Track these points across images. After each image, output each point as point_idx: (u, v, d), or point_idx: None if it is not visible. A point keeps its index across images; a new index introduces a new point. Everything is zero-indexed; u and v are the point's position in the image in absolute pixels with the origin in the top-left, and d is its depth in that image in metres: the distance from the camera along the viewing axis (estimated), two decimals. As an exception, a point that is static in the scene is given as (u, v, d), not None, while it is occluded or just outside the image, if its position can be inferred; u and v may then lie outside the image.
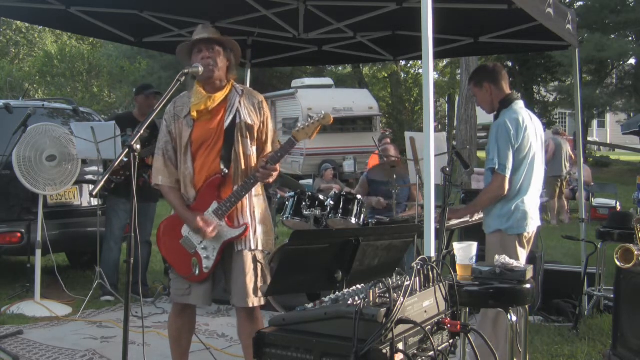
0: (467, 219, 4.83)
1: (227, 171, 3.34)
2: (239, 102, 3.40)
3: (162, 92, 3.11)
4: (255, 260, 3.39)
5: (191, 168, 3.38)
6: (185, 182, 3.40)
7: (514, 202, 3.81)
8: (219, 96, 3.36)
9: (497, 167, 3.75)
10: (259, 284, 3.39)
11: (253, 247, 3.38)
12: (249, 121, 3.39)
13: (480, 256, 3.11)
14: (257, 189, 3.47)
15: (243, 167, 3.37)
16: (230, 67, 3.42)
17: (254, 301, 3.36)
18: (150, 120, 2.87)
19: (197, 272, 3.37)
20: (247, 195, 3.37)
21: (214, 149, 3.36)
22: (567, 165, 12.01)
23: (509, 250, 3.74)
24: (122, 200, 6.01)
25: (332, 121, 3.19)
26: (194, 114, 3.35)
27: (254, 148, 3.44)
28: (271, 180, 3.37)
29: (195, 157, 3.38)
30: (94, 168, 6.45)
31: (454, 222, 4.72)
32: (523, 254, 3.85)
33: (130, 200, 2.60)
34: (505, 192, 3.77)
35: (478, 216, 4.52)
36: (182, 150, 3.39)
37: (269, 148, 3.50)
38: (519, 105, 3.93)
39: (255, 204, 3.45)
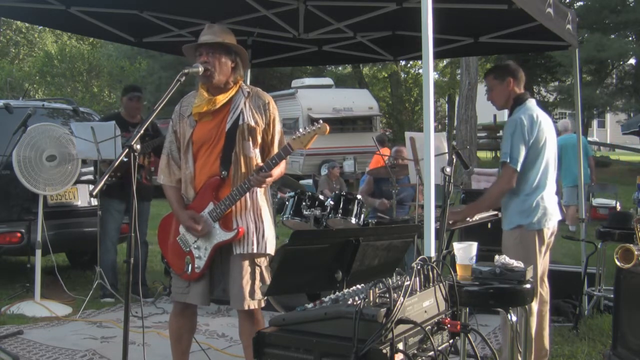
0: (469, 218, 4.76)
1: (225, 173, 3.30)
2: (244, 103, 3.36)
3: (162, 93, 3.12)
4: (253, 263, 3.35)
5: (192, 168, 3.36)
6: (186, 182, 3.38)
7: (534, 197, 3.81)
8: (221, 98, 3.32)
9: (508, 160, 3.76)
10: (257, 286, 3.35)
11: (251, 251, 3.32)
12: (252, 123, 3.34)
13: (481, 256, 3.11)
14: (264, 190, 3.41)
15: (243, 169, 3.32)
16: (235, 68, 3.36)
17: (251, 304, 3.32)
18: (149, 121, 2.87)
19: (189, 270, 3.36)
20: (252, 197, 3.34)
21: (214, 150, 3.33)
22: None
23: (529, 246, 3.75)
24: (116, 201, 6.00)
25: (328, 132, 3.14)
26: (195, 115, 3.33)
27: (257, 150, 3.39)
28: (264, 186, 3.33)
29: (196, 157, 3.36)
30: (90, 168, 6.45)
31: (459, 224, 4.63)
32: (542, 249, 3.86)
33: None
34: (514, 185, 3.78)
35: (478, 216, 4.50)
36: (183, 149, 3.38)
37: (275, 149, 3.42)
38: (533, 103, 3.99)
39: (261, 205, 3.40)
